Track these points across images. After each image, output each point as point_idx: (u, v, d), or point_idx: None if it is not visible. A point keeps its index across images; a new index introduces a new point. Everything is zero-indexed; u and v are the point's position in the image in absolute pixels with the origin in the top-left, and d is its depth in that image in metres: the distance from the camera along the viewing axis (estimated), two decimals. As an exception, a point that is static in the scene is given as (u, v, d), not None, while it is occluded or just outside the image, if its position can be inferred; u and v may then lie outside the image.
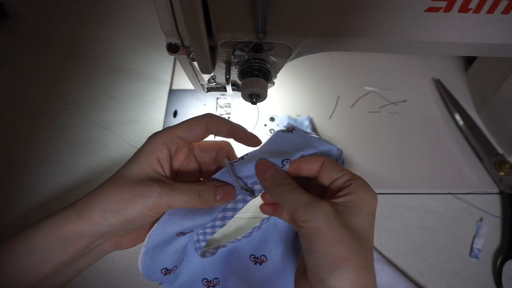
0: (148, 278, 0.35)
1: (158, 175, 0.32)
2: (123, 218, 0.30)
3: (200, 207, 0.31)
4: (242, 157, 0.34)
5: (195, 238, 0.38)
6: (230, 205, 0.34)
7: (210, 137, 0.36)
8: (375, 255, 0.46)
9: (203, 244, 0.39)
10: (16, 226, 0.47)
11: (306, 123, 0.55)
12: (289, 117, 0.56)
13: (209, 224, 0.35)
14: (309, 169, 0.32)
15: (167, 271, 0.36)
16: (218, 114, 0.54)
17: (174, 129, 0.33)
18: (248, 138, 0.34)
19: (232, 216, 0.34)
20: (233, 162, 0.33)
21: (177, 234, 0.34)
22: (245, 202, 0.34)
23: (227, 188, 0.32)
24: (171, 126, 0.33)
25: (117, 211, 0.29)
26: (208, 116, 0.34)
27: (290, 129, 0.35)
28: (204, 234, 0.37)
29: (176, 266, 0.37)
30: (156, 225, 0.32)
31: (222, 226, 0.35)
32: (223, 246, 0.42)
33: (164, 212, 0.32)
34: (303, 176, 0.33)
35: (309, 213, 0.27)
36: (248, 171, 0.32)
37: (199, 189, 0.31)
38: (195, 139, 0.34)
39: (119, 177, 0.31)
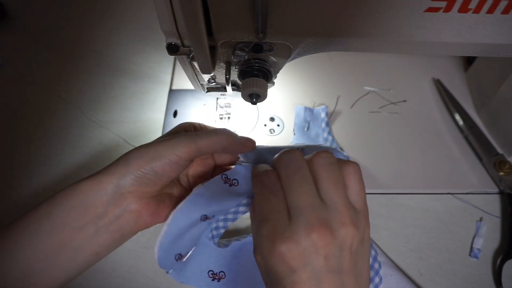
0: (160, 263, 0.34)
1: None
2: (147, 164, 0.30)
3: (227, 142, 0.32)
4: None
5: (214, 225, 0.38)
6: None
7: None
8: (384, 259, 0.45)
9: (222, 231, 0.39)
10: (16, 226, 0.47)
11: (323, 114, 0.55)
12: (306, 108, 0.56)
13: (232, 210, 0.35)
14: None
15: (179, 257, 0.36)
16: (218, 115, 0.55)
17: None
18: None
19: None
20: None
21: (201, 219, 0.34)
22: None
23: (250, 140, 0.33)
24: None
25: (141, 158, 0.30)
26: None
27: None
28: (225, 220, 0.37)
29: (187, 252, 0.37)
30: (182, 203, 0.32)
31: (245, 212, 0.35)
32: (237, 239, 0.42)
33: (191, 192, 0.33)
34: None
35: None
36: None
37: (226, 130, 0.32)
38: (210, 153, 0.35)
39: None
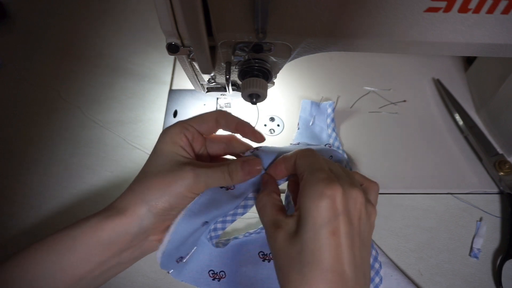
0: (162, 267, 0.35)
1: (188, 160, 0.33)
2: (167, 203, 0.30)
3: (232, 183, 0.33)
4: (256, 148, 0.36)
5: (212, 226, 0.38)
6: (251, 195, 0.35)
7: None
8: (384, 259, 0.45)
9: (220, 232, 0.39)
10: (16, 226, 0.47)
11: (329, 110, 0.55)
12: (312, 103, 0.56)
13: (231, 212, 0.36)
14: (286, 168, 0.33)
15: (180, 259, 0.36)
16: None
17: (187, 120, 0.34)
18: (254, 133, 0.36)
19: (253, 205, 0.36)
20: (252, 151, 0.36)
21: (202, 224, 0.34)
22: None
23: (252, 162, 0.33)
24: (183, 119, 0.34)
25: (160, 198, 0.30)
26: (219, 111, 0.35)
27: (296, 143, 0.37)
28: (223, 222, 0.38)
29: (188, 253, 0.37)
30: (182, 213, 0.32)
31: (243, 214, 0.36)
32: (235, 238, 0.42)
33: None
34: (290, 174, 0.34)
35: (268, 239, 0.30)
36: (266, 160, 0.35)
37: (228, 167, 0.32)
38: (207, 131, 0.35)
39: (149, 171, 0.32)
